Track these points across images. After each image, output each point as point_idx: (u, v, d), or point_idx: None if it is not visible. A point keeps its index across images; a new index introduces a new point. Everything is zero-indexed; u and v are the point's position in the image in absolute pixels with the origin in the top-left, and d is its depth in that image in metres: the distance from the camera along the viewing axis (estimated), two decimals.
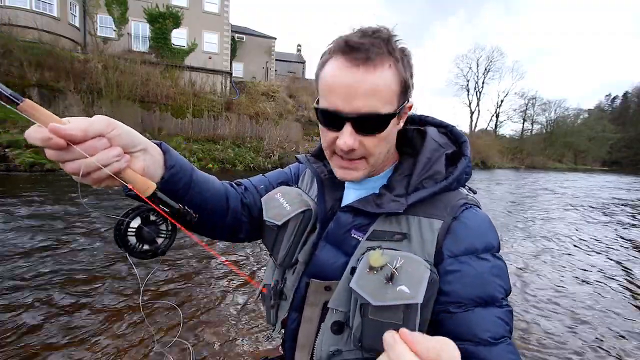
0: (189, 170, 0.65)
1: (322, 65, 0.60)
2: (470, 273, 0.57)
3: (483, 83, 54.48)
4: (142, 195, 0.50)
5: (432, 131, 0.71)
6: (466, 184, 0.71)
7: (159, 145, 0.62)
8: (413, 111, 0.72)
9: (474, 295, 0.56)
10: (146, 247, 0.53)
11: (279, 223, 0.73)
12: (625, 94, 70.33)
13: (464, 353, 0.47)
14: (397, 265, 0.54)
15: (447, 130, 0.74)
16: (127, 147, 0.53)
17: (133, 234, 0.51)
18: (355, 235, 0.65)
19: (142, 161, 0.55)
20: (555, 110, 59.91)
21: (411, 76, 0.60)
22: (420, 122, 0.78)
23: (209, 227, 0.75)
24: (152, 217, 0.53)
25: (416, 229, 0.61)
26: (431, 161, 0.65)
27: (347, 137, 0.57)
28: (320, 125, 0.62)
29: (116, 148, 0.49)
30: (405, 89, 0.59)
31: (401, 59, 0.57)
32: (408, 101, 0.61)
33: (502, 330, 0.54)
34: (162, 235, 0.54)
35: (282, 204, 0.75)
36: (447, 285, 0.57)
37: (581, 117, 63.32)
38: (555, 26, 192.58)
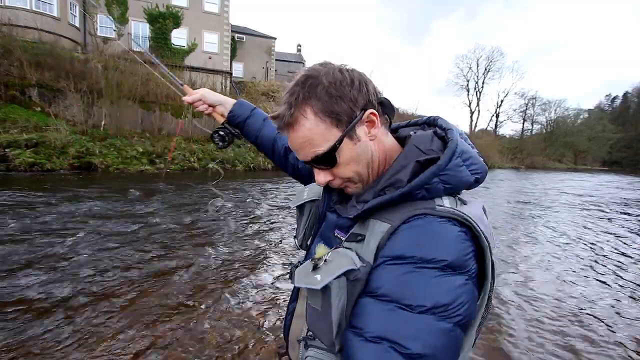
0: (244, 117, 1.13)
1: None
2: (386, 274, 0.54)
3: (483, 83, 54.57)
4: (219, 122, 1.16)
5: (418, 136, 0.67)
6: (462, 192, 0.64)
7: (235, 103, 1.16)
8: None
9: (377, 288, 0.54)
10: (219, 143, 1.14)
11: (292, 206, 0.87)
12: (625, 94, 70.35)
13: (344, 335, 0.54)
14: (327, 258, 0.59)
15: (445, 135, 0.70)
16: (213, 103, 1.15)
17: (216, 136, 1.14)
18: (338, 235, 0.69)
19: (221, 109, 1.15)
20: (555, 110, 59.99)
21: (343, 99, 0.61)
22: (429, 125, 0.75)
23: (266, 154, 1.17)
24: (221, 132, 1.14)
25: (370, 231, 0.60)
26: (399, 169, 0.63)
27: (317, 176, 0.68)
28: None
29: (205, 105, 1.15)
30: (337, 118, 0.61)
31: (318, 97, 0.61)
32: (357, 117, 0.62)
33: (385, 332, 0.49)
34: (226, 139, 1.14)
35: (304, 192, 0.88)
36: (370, 281, 0.56)
37: (581, 117, 63.32)
38: (555, 26, 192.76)
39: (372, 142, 0.66)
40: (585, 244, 5.87)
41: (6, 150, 9.78)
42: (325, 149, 0.62)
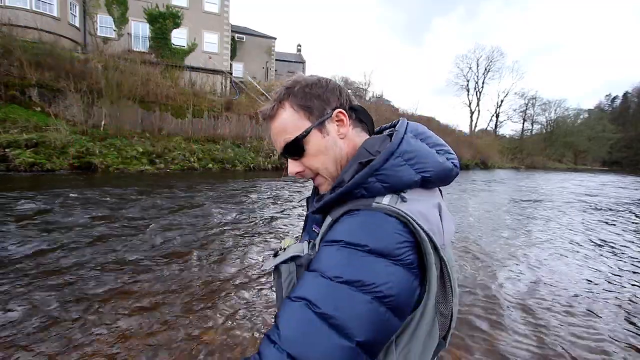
0: None
1: None
2: (320, 253, 0.61)
3: (483, 83, 54.54)
4: None
5: (371, 138, 0.72)
6: (408, 191, 0.65)
7: None
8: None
9: (312, 264, 0.61)
10: None
11: (296, 204, 0.99)
12: (625, 94, 70.35)
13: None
14: (285, 246, 0.74)
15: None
16: None
17: None
18: (315, 229, 0.77)
19: None
20: (555, 110, 59.99)
21: (316, 97, 0.71)
22: (395, 127, 0.78)
23: None
24: None
25: (323, 225, 0.68)
26: (346, 169, 0.68)
27: (289, 166, 0.76)
28: None
29: None
30: (309, 111, 0.71)
31: (295, 94, 0.72)
32: (327, 113, 0.72)
33: (306, 293, 0.56)
34: None
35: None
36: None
37: (581, 117, 63.31)
38: (555, 26, 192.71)
39: (342, 140, 0.73)
40: (601, 243, 5.87)
41: (6, 150, 9.78)
42: (296, 135, 0.71)
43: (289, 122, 0.72)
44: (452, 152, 0.73)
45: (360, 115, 0.77)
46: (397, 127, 0.73)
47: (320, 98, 0.72)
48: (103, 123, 13.28)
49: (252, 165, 15.75)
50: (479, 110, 54.57)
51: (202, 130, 16.36)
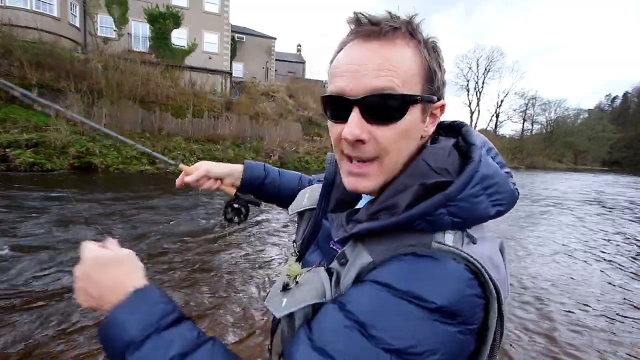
0: (262, 178, 1.02)
1: (334, 55, 0.54)
2: (363, 291, 0.46)
3: (483, 83, 54.58)
4: (230, 194, 0.99)
5: (433, 148, 0.54)
6: (473, 228, 0.50)
7: (245, 169, 1.01)
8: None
9: (347, 302, 0.46)
10: (236, 218, 1.00)
11: (290, 213, 0.82)
12: (625, 94, 70.31)
13: (298, 330, 0.49)
14: (299, 280, 0.54)
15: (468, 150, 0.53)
16: (220, 176, 0.98)
17: (226, 211, 0.99)
18: (334, 247, 0.60)
19: (230, 180, 1.00)
20: (555, 110, 59.93)
21: (440, 69, 0.52)
22: (452, 130, 0.62)
23: (278, 204, 1.08)
24: (235, 205, 0.99)
25: (353, 258, 0.51)
26: (399, 189, 0.51)
27: (352, 125, 0.49)
28: (328, 120, 0.56)
29: (211, 180, 0.98)
30: (430, 77, 0.51)
31: (426, 44, 0.51)
32: (437, 98, 0.52)
33: (332, 348, 0.43)
34: (241, 213, 1.00)
35: (304, 198, 0.81)
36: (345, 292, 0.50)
37: (581, 117, 63.26)
38: (555, 26, 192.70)
39: (420, 140, 0.55)
40: (591, 239, 5.87)
41: (6, 150, 9.78)
42: (407, 92, 0.48)
43: (408, 68, 0.49)
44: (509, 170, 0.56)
45: None
46: (464, 134, 0.57)
47: (440, 70, 0.53)
48: (103, 123, 13.27)
49: None
50: (479, 110, 54.67)
51: (202, 130, 16.36)
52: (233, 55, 26.19)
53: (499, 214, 0.51)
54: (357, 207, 0.64)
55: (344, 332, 0.43)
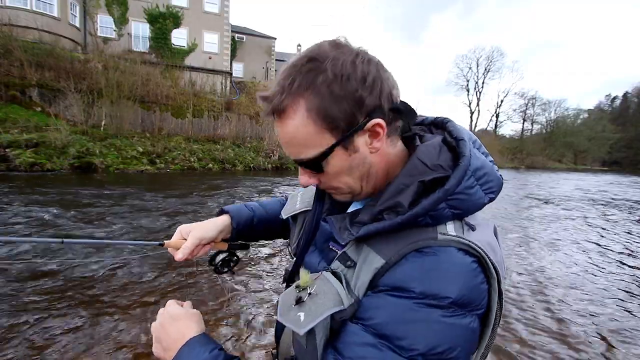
0: (249, 221, 0.91)
1: None
2: (382, 304, 0.49)
3: (483, 83, 54.68)
4: (221, 249, 0.91)
5: (425, 147, 0.56)
6: (470, 216, 0.55)
7: (232, 217, 0.89)
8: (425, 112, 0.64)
9: (369, 318, 0.49)
10: (225, 269, 0.93)
11: (284, 216, 0.82)
12: (625, 94, 70.32)
13: (325, 353, 0.51)
14: (312, 291, 0.54)
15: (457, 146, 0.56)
16: (212, 239, 0.84)
17: (216, 262, 0.91)
18: (333, 248, 0.62)
19: (222, 235, 0.87)
20: (555, 110, 60.01)
21: (347, 98, 0.49)
22: (437, 127, 0.65)
23: (271, 237, 1.01)
24: (224, 257, 0.92)
25: (362, 261, 0.53)
26: (400, 188, 0.53)
27: (301, 176, 0.60)
28: None
29: (207, 247, 0.85)
30: (332, 120, 0.50)
31: (317, 92, 0.49)
32: (358, 125, 0.51)
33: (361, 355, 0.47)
34: (231, 263, 0.94)
35: (296, 201, 0.81)
36: (362, 307, 0.52)
37: (581, 117, 63.30)
38: (555, 25, 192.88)
39: (373, 155, 0.55)
40: (592, 239, 5.87)
41: (6, 150, 9.79)
42: (311, 155, 0.53)
43: (303, 134, 0.52)
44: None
45: (403, 115, 0.56)
46: (450, 129, 0.60)
47: (351, 100, 0.50)
48: (103, 123, 13.28)
49: (252, 165, 15.75)
50: (479, 110, 54.78)
51: (202, 130, 16.39)
52: (233, 55, 26.20)
53: (491, 200, 0.56)
54: (354, 207, 0.66)
55: (371, 350, 0.46)
